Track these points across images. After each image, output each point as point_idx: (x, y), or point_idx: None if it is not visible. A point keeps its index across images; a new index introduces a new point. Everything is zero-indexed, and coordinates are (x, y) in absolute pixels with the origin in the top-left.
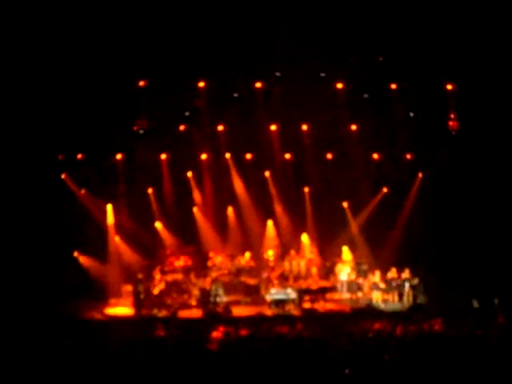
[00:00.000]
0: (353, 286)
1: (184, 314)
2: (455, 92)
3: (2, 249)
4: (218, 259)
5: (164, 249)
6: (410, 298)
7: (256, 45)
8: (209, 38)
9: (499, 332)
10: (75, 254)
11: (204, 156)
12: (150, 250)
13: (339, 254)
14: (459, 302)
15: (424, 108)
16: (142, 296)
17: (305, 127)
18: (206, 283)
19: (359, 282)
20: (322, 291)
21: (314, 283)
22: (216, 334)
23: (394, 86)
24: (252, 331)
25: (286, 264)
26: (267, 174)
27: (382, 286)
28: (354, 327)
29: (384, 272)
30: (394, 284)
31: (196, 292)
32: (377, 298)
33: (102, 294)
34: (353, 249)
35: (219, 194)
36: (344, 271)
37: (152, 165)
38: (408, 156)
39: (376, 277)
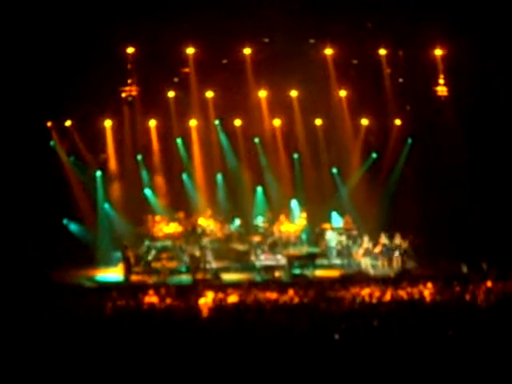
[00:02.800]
0: (342, 252)
1: (174, 280)
2: (444, 57)
3: None
4: (207, 226)
5: (153, 215)
6: (400, 264)
7: (244, 11)
8: (197, 3)
9: (488, 296)
10: (65, 221)
11: (193, 122)
12: (139, 217)
13: (329, 219)
14: (448, 266)
15: (413, 74)
16: (131, 263)
17: (294, 93)
18: (196, 250)
19: (349, 247)
20: (312, 257)
21: (304, 249)
22: (205, 301)
23: (382, 52)
24: (241, 297)
25: (276, 230)
26: (256, 140)
27: (372, 251)
28: (343, 293)
29: (374, 238)
30: (384, 250)
31: (186, 258)
32: (366, 263)
33: (91, 260)
34: (342, 215)
35: (208, 161)
36: (333, 237)
37: (141, 131)
38: (397, 122)
39: (366, 242)
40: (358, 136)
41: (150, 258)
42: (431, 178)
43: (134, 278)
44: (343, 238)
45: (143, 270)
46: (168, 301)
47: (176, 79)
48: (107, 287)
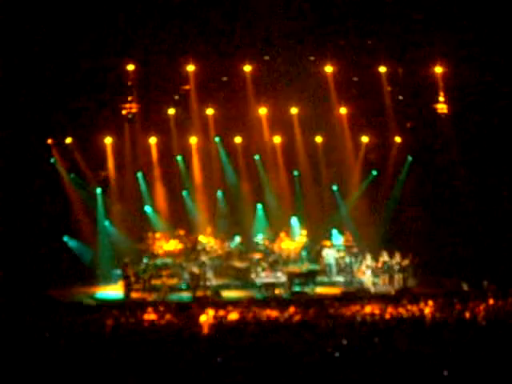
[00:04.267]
0: (343, 269)
1: (174, 297)
2: (444, 75)
3: None
4: (207, 243)
5: (153, 232)
6: (401, 281)
7: (245, 29)
8: (197, 21)
9: (488, 315)
10: (65, 238)
11: (193, 140)
12: (139, 234)
13: (329, 237)
14: (449, 284)
15: (413, 91)
16: (131, 280)
17: (294, 111)
18: (196, 267)
19: (349, 265)
20: (312, 274)
21: (304, 266)
22: (206, 318)
23: (382, 70)
24: (242, 315)
25: (276, 247)
26: (256, 157)
27: (373, 269)
28: (344, 310)
29: (375, 255)
30: (385, 267)
31: (186, 275)
32: (367, 281)
33: (92, 278)
34: (342, 232)
35: (209, 178)
36: (332, 254)
37: (141, 148)
38: (397, 139)
39: (367, 260)
40: (358, 153)
41: (146, 276)
42: (431, 195)
43: (134, 295)
44: (343, 255)
45: (143, 288)
46: (168, 318)
47: (176, 96)
48: (107, 305)
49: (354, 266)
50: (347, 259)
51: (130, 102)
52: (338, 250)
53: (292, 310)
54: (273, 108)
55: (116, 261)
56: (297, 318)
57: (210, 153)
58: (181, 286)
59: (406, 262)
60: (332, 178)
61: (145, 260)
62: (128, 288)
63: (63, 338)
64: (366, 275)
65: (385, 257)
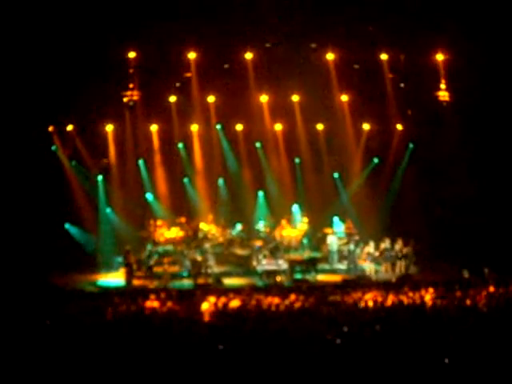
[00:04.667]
0: (344, 257)
1: (175, 285)
2: (446, 62)
3: None
4: (209, 230)
5: (155, 220)
6: (402, 269)
7: (246, 16)
8: (199, 8)
9: (489, 302)
10: (66, 225)
11: (194, 127)
12: (141, 222)
13: (330, 224)
14: (449, 271)
15: (414, 78)
16: (133, 267)
17: (295, 98)
18: (197, 254)
19: (351, 252)
20: (313, 262)
21: (305, 254)
22: (207, 306)
23: (384, 57)
24: (243, 302)
25: (277, 235)
26: (258, 144)
27: (376, 256)
28: (345, 297)
29: (376, 242)
30: (387, 254)
31: (187, 263)
32: (369, 268)
33: (93, 265)
34: (344, 219)
35: (210, 165)
36: (334, 242)
37: (142, 136)
38: (399, 127)
39: (369, 247)
40: (360, 141)
41: (152, 262)
42: (433, 182)
43: (136, 282)
44: (345, 243)
45: (145, 275)
46: (169, 305)
47: (177, 84)
48: (109, 292)
49: (356, 254)
50: (349, 247)
51: (132, 89)
52: (340, 238)
53: (293, 297)
54: (274, 95)
55: (117, 248)
56: (298, 305)
57: (211, 140)
58: (182, 274)
59: (407, 249)
60: (333, 166)
61: (149, 247)
62: (130, 275)
63: (65, 326)
64: (367, 262)
65: (386, 244)
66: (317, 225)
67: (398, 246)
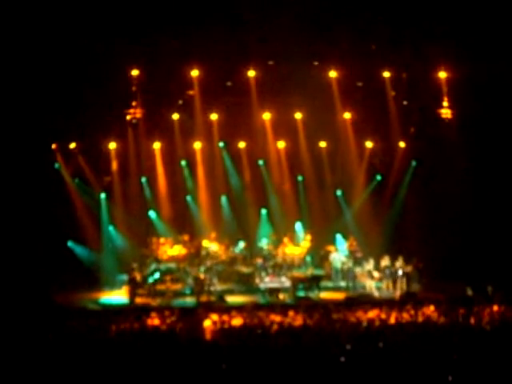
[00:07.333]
0: (347, 274)
1: (178, 302)
2: (448, 80)
3: None
4: (211, 248)
5: (158, 237)
6: (404, 286)
7: (249, 34)
8: (202, 26)
9: (492, 320)
10: (69, 243)
11: (197, 145)
12: (143, 239)
13: (333, 242)
14: (453, 289)
15: (417, 96)
16: (136, 285)
17: (298, 116)
18: (200, 272)
19: (353, 270)
20: (316, 279)
21: (308, 271)
22: (210, 323)
23: (387, 74)
24: (246, 320)
25: (280, 252)
26: (261, 162)
27: (376, 274)
28: (348, 315)
29: (378, 260)
30: (387, 272)
31: (190, 281)
32: (370, 285)
33: (96, 283)
34: (347, 237)
35: (213, 183)
36: (338, 259)
37: (145, 154)
38: (401, 144)
39: (370, 265)
40: (363, 158)
41: (154, 280)
42: (435, 200)
43: (139, 300)
44: (348, 260)
45: (148, 293)
46: (172, 323)
47: (180, 101)
48: (112, 310)
49: (358, 271)
50: (351, 264)
51: (135, 107)
52: (343, 255)
53: (296, 315)
54: (277, 113)
55: (120, 266)
56: (300, 322)
57: (214, 158)
58: (185, 291)
59: (409, 267)
60: (336, 183)
61: (153, 265)
62: (133, 293)
63: (67, 344)
64: (369, 280)
65: (388, 262)
66: (320, 242)
67: (399, 263)
